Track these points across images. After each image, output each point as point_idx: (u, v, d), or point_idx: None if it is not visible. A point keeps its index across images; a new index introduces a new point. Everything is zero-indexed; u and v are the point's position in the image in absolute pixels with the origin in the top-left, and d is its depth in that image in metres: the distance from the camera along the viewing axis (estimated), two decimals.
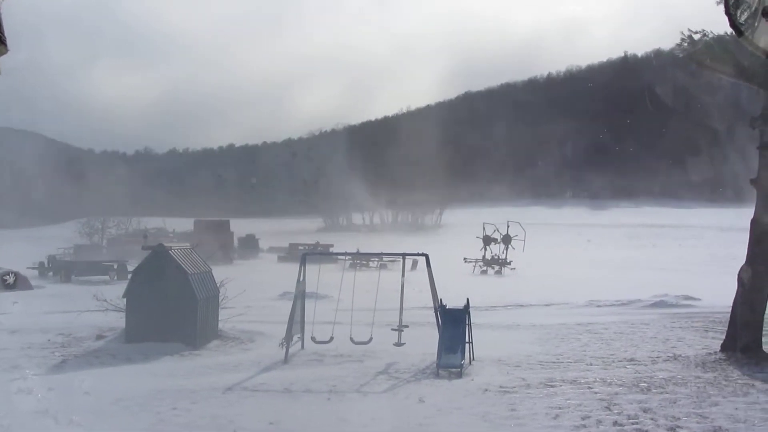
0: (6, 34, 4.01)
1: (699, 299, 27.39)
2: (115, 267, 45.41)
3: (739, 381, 12.71)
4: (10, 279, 34.79)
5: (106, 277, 43.50)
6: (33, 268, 45.90)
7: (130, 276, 20.85)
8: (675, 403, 11.08)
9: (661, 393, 11.79)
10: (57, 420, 10.51)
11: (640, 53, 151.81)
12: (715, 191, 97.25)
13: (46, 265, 48.58)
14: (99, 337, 18.72)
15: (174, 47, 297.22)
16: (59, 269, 46.85)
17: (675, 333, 19.18)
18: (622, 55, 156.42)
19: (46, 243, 65.50)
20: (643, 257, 61.08)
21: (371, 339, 16.21)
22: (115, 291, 20.46)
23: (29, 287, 35.77)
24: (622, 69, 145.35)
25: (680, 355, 15.57)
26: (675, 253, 63.60)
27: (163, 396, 12.17)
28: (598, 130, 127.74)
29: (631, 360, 15.18)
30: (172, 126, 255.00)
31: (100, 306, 19.79)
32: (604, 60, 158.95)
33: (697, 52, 15.85)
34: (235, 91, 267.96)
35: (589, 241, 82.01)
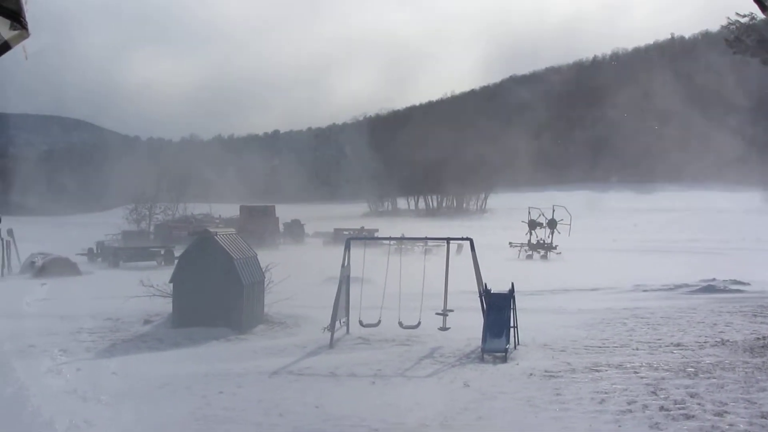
0: (29, 18, 4.01)
1: (748, 284, 26.87)
2: (162, 253, 45.75)
3: None
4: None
5: (154, 263, 43.85)
6: (82, 254, 46.46)
7: (176, 261, 21.05)
8: (722, 388, 10.97)
9: (709, 378, 11.67)
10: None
11: (687, 35, 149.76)
12: (763, 173, 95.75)
13: (95, 251, 49.14)
14: (146, 322, 18.95)
15: (215, 33, 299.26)
16: (107, 255, 47.34)
17: (723, 318, 18.93)
18: (669, 37, 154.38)
19: (94, 229, 66.41)
20: (690, 241, 60.40)
21: (419, 323, 16.27)
22: (162, 276, 20.65)
23: (78, 273, 36.25)
24: (668, 51, 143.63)
25: (728, 340, 15.39)
26: (723, 237, 62.73)
27: (210, 380, 12.30)
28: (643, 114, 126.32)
29: (678, 345, 15.03)
30: (217, 112, 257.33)
31: (147, 291, 19.96)
32: (651, 42, 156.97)
33: (738, 29, 15.57)
34: (277, 76, 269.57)
35: (635, 225, 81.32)
